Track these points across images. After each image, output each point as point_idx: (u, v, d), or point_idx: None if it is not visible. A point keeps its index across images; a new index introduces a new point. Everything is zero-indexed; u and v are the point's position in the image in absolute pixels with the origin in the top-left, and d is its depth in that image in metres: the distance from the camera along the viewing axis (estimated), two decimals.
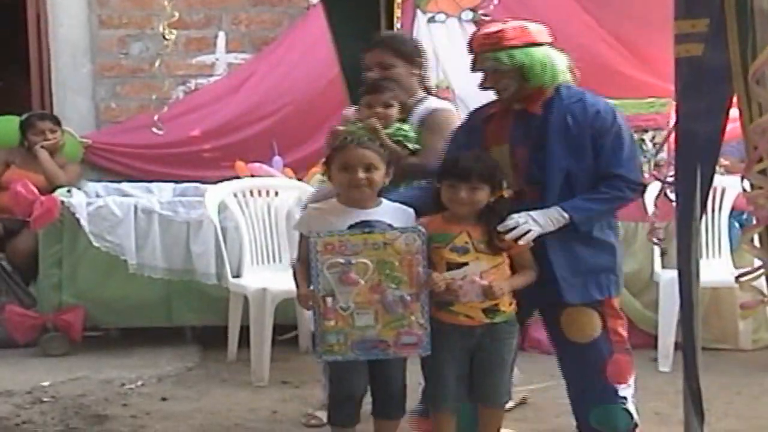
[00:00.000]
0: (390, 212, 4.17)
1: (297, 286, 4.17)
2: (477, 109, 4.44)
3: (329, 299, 4.03)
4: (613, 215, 4.27)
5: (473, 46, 4.26)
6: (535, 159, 4.16)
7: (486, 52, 4.19)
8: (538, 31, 4.22)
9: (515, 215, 4.05)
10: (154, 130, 7.36)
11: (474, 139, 4.29)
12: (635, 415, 4.25)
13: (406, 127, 4.65)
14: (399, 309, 4.02)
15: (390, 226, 4.08)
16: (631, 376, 4.27)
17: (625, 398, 4.23)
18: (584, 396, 4.27)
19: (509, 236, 4.02)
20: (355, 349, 4.06)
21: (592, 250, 4.18)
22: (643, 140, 6.41)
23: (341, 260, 4.01)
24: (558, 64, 4.18)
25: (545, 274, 4.14)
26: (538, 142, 4.16)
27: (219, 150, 7.50)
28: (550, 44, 4.22)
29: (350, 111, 4.91)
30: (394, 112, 4.68)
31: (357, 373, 4.19)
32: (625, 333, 4.27)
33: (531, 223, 4.04)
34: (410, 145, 4.63)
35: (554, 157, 4.12)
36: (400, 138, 4.61)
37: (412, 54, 4.84)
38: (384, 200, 4.21)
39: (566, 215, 4.07)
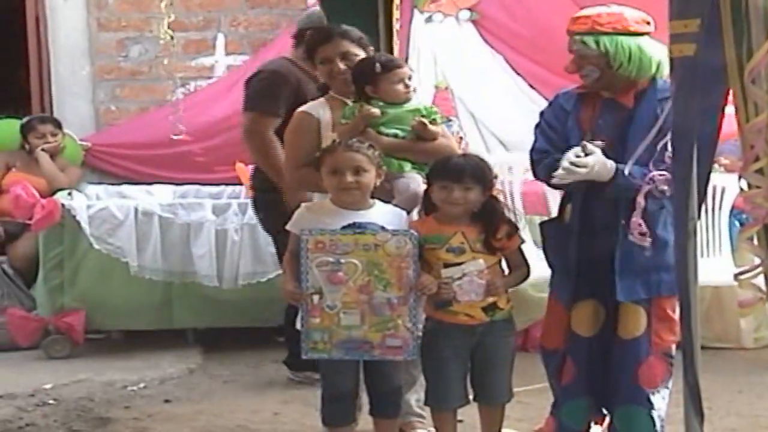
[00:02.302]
0: (383, 214, 4.18)
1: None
2: (565, 92, 4.35)
3: (316, 297, 4.05)
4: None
5: (568, 27, 4.22)
6: (616, 151, 4.11)
7: (576, 34, 4.16)
8: (636, 19, 4.16)
9: (592, 156, 4.00)
10: (173, 137, 7.29)
11: (566, 123, 4.23)
12: (658, 424, 4.22)
13: (426, 104, 4.58)
14: (386, 311, 4.03)
15: (382, 228, 4.08)
16: (664, 384, 4.24)
17: (652, 404, 4.19)
18: (614, 393, 4.26)
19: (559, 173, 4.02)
20: (339, 348, 4.07)
21: (651, 248, 4.10)
22: None
23: (330, 259, 4.02)
24: (651, 56, 4.11)
25: (605, 268, 4.14)
26: (623, 134, 4.12)
27: (212, 151, 7.44)
28: (649, 34, 4.15)
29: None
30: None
31: (346, 372, 4.21)
32: (668, 337, 4.22)
33: (584, 171, 4.01)
34: (438, 118, 4.54)
35: (635, 153, 4.05)
36: (435, 118, 4.50)
37: (367, 45, 4.74)
38: (378, 202, 4.22)
39: (612, 175, 4.03)
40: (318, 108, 4.60)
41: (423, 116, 4.46)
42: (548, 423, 4.49)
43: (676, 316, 4.21)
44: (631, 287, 4.16)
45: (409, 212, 4.31)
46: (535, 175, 4.33)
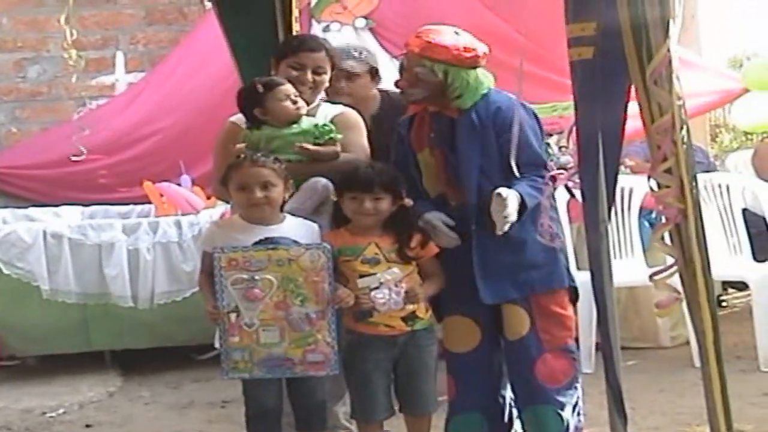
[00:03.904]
0: (294, 228, 4.16)
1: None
2: (402, 120, 4.36)
3: (233, 315, 4.01)
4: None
5: (411, 42, 4.18)
6: (451, 160, 4.16)
7: (421, 56, 4.13)
8: (479, 54, 4.15)
9: (510, 205, 3.96)
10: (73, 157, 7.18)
11: (405, 149, 4.28)
12: (570, 422, 4.21)
13: (321, 121, 4.53)
14: (305, 326, 4.01)
15: (295, 242, 4.07)
16: (568, 379, 4.24)
17: (558, 401, 4.19)
18: (519, 396, 4.28)
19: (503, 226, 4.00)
20: (260, 367, 4.03)
21: (510, 249, 4.13)
22: (548, 144, 6.41)
23: (245, 276, 3.98)
24: (479, 87, 4.14)
25: (469, 275, 4.14)
26: (452, 143, 4.16)
27: (115, 167, 7.34)
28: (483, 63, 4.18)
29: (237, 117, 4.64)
30: (326, 80, 4.56)
31: (268, 389, 4.17)
32: (561, 333, 4.22)
33: (513, 215, 3.98)
34: (335, 136, 4.43)
35: (466, 157, 4.12)
36: (332, 136, 4.40)
37: (335, 65, 4.71)
38: (288, 216, 4.20)
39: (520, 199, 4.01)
40: None
41: (316, 137, 4.38)
42: None
43: (569, 311, 4.27)
44: (499, 289, 4.17)
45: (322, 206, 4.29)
46: None
